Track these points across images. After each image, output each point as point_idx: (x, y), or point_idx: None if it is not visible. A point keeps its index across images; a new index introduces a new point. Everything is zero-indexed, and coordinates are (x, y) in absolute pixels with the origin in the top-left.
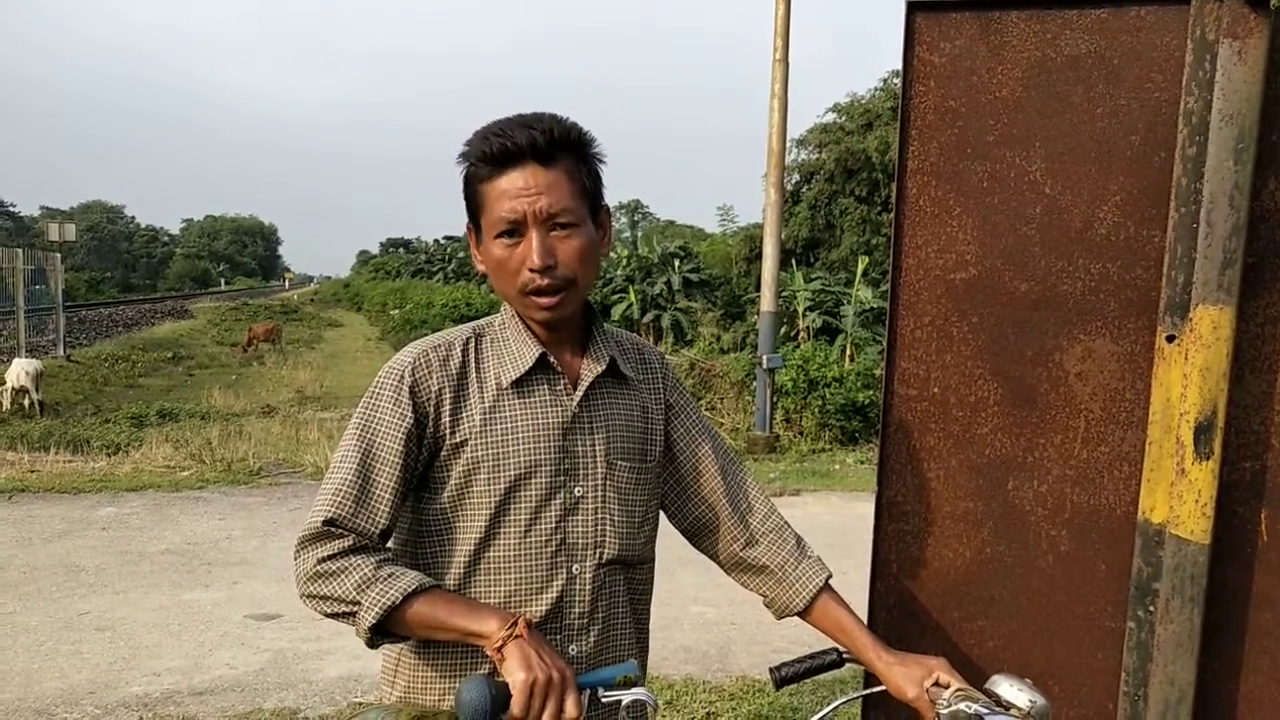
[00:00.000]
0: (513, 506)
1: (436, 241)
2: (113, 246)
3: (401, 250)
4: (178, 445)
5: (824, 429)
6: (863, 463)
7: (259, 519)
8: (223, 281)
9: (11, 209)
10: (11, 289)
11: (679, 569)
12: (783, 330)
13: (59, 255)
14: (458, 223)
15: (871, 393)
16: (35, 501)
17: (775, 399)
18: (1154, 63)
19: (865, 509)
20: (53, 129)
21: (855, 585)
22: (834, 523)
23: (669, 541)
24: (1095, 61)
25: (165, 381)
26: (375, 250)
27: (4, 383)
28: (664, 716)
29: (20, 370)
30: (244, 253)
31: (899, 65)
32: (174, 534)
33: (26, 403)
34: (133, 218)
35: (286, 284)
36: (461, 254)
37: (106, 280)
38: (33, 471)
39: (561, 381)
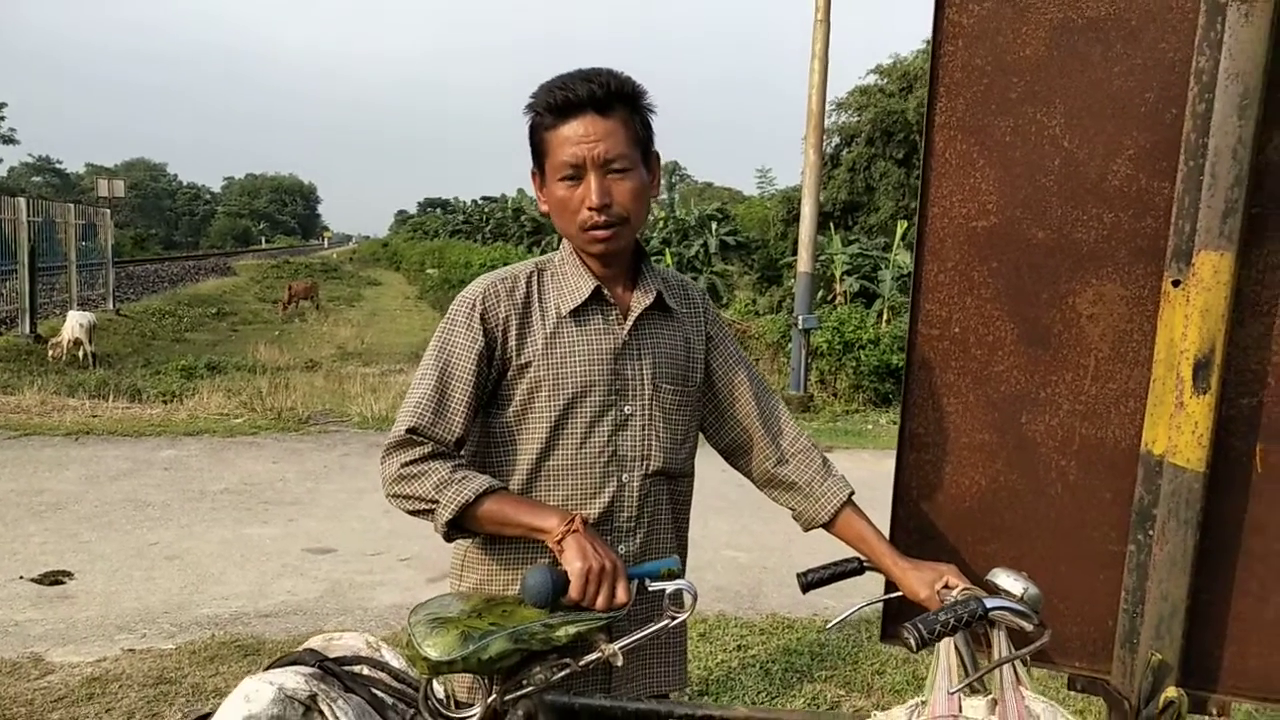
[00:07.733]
0: (570, 421)
1: (474, 202)
2: (155, 204)
3: (439, 210)
4: (229, 394)
5: (858, 390)
6: (895, 423)
7: (310, 463)
8: (263, 240)
9: (58, 165)
10: (64, 244)
11: (712, 517)
12: (819, 294)
13: (108, 211)
14: (495, 183)
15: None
16: (100, 443)
17: (810, 360)
18: (1169, 24)
19: None
20: (97, 86)
21: None
22: (865, 478)
23: (702, 491)
24: (1114, 23)
25: (210, 336)
26: (413, 210)
27: (60, 334)
28: (697, 647)
29: (75, 322)
30: (284, 211)
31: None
32: (231, 475)
33: (81, 354)
34: (175, 175)
35: (325, 243)
36: (499, 214)
37: (151, 237)
38: (94, 416)
39: (614, 312)
